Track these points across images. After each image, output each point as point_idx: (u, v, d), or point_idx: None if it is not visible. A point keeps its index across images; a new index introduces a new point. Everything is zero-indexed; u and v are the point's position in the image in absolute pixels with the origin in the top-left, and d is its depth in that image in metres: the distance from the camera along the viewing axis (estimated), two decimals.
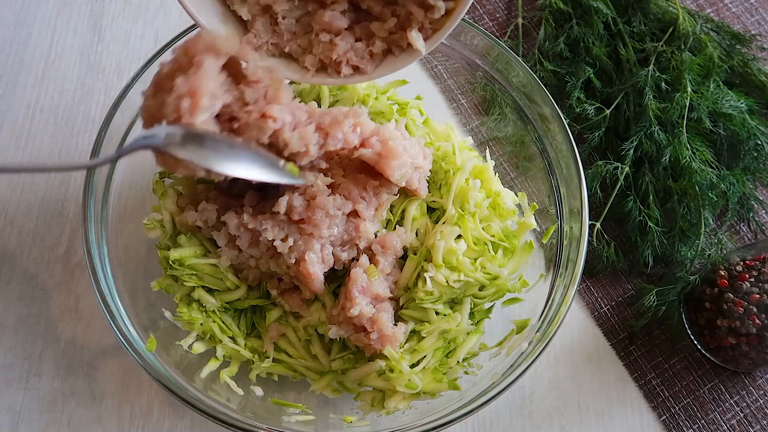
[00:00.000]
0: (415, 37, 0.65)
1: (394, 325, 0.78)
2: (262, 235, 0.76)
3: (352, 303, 0.75)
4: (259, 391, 0.82)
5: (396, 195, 0.83)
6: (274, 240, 0.76)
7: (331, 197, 0.77)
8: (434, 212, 0.86)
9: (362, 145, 0.79)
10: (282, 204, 0.75)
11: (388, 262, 0.80)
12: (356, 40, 0.68)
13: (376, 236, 0.81)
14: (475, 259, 0.80)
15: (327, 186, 0.77)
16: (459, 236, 0.80)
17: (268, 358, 0.82)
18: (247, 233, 0.78)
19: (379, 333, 0.76)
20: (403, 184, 0.81)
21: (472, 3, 1.15)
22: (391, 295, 0.80)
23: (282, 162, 0.72)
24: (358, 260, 0.80)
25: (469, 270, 0.78)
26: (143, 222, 0.83)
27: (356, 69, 0.69)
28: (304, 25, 0.68)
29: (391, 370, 0.77)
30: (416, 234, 0.84)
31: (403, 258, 0.82)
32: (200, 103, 0.62)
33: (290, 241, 0.76)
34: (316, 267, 0.77)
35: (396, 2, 0.67)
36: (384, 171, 0.77)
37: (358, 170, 0.81)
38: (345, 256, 0.80)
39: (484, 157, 0.89)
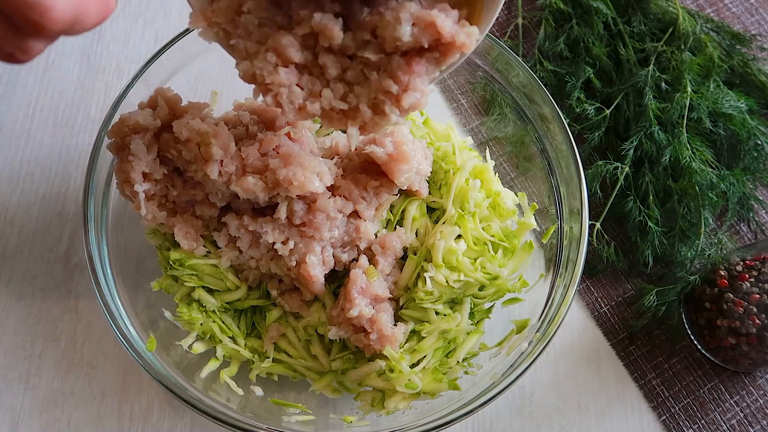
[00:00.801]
0: (353, 134, 0.64)
1: (394, 325, 0.78)
2: (263, 237, 0.76)
3: (351, 304, 0.75)
4: (259, 391, 0.82)
5: (396, 195, 0.83)
6: (274, 243, 0.76)
7: (332, 199, 0.76)
8: (434, 212, 0.86)
9: (373, 142, 0.79)
10: (282, 211, 0.75)
11: (388, 263, 0.80)
12: (299, 86, 0.62)
13: (376, 236, 0.81)
14: (475, 259, 0.80)
15: (327, 188, 0.77)
16: (459, 236, 0.80)
17: (268, 358, 0.82)
18: (248, 235, 0.78)
19: (378, 333, 0.76)
20: (405, 187, 0.81)
21: None
22: (391, 296, 0.80)
23: None
24: (357, 261, 0.80)
25: (469, 270, 0.78)
26: (145, 232, 0.83)
27: (278, 105, 0.62)
28: (262, 34, 0.62)
29: (391, 370, 0.77)
30: (416, 234, 0.84)
31: (403, 258, 0.82)
32: (134, 187, 0.73)
33: (291, 244, 0.76)
34: (316, 269, 0.77)
35: (351, 83, 0.62)
36: (391, 173, 0.77)
37: (358, 170, 0.81)
38: (345, 257, 0.80)
39: (484, 157, 0.88)
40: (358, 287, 0.76)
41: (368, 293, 0.77)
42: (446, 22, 0.57)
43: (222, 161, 0.73)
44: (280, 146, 0.76)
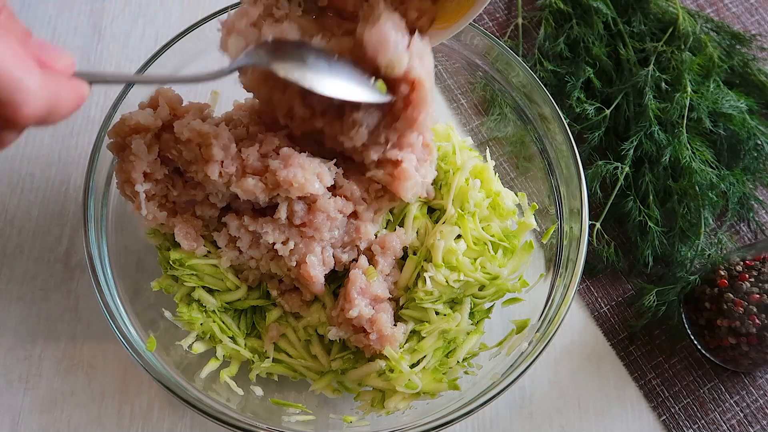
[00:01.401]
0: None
1: (394, 325, 0.78)
2: (263, 237, 0.76)
3: (351, 304, 0.75)
4: (259, 391, 0.82)
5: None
6: (274, 243, 0.76)
7: (332, 200, 0.76)
8: (434, 212, 0.86)
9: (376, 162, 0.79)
10: (282, 211, 0.75)
11: (388, 263, 0.80)
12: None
13: (376, 237, 0.81)
14: (475, 259, 0.80)
15: (328, 188, 0.77)
16: (459, 236, 0.80)
17: (268, 358, 0.82)
18: (248, 235, 0.78)
19: (378, 333, 0.76)
20: (415, 200, 0.81)
21: None
22: (391, 296, 0.80)
23: (372, 80, 0.69)
24: (357, 261, 0.80)
25: (468, 270, 0.78)
26: (145, 232, 0.83)
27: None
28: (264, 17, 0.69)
29: (391, 370, 0.77)
30: (416, 234, 0.83)
31: (403, 258, 0.82)
32: (135, 187, 0.73)
33: (291, 244, 0.76)
34: (316, 269, 0.77)
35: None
36: (397, 192, 0.77)
37: (360, 170, 0.80)
38: (345, 257, 0.80)
39: (484, 157, 0.88)
40: (357, 287, 0.76)
41: (368, 293, 0.77)
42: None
43: (222, 162, 0.73)
44: (280, 147, 0.76)
